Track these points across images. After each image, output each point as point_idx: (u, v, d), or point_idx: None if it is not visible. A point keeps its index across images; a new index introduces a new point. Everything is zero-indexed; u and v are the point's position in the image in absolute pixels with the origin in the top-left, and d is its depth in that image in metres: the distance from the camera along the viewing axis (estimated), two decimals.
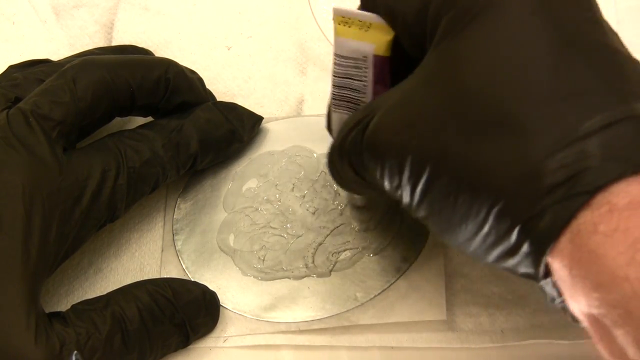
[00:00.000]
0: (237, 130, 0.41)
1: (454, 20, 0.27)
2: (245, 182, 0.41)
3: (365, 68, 0.31)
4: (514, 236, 0.25)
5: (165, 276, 0.39)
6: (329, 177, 0.40)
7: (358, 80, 0.32)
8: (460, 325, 0.35)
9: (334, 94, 0.33)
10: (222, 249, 0.39)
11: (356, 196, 0.38)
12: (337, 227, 0.39)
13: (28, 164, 0.33)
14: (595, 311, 0.23)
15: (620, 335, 0.23)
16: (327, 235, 0.39)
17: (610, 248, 0.23)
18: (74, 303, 0.37)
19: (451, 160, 0.26)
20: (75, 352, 0.32)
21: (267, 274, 0.38)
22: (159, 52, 0.45)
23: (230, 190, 0.41)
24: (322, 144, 0.42)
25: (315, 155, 0.41)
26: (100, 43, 0.48)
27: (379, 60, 0.31)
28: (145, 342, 0.34)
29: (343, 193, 0.40)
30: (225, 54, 0.47)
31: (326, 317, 0.36)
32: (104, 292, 0.38)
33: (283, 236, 0.39)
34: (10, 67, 0.42)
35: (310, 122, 0.43)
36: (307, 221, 0.39)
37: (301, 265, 0.38)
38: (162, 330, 0.34)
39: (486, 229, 0.26)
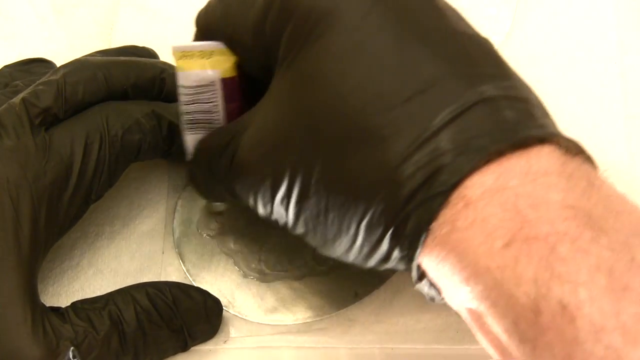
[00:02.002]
0: None
1: (292, 36, 0.27)
2: None
3: (214, 92, 0.32)
4: (385, 245, 0.25)
5: (165, 278, 0.39)
6: None
7: (208, 102, 0.33)
8: (460, 324, 0.35)
9: (185, 120, 0.34)
10: (223, 250, 0.39)
11: (217, 203, 0.39)
12: None
13: (10, 152, 0.33)
14: (468, 305, 0.24)
15: (492, 324, 0.23)
16: None
17: (470, 241, 0.23)
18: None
19: (315, 179, 0.26)
20: (72, 347, 0.32)
21: (268, 275, 0.38)
22: (159, 52, 0.45)
23: None
24: None
25: None
26: (100, 43, 0.48)
27: (226, 82, 0.32)
28: (140, 345, 0.34)
29: None
30: None
31: (326, 317, 0.36)
32: (104, 293, 0.38)
33: (285, 237, 0.39)
34: (5, 66, 0.42)
35: None
36: None
37: (301, 265, 0.38)
38: (159, 334, 0.34)
39: (359, 241, 0.26)
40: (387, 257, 0.26)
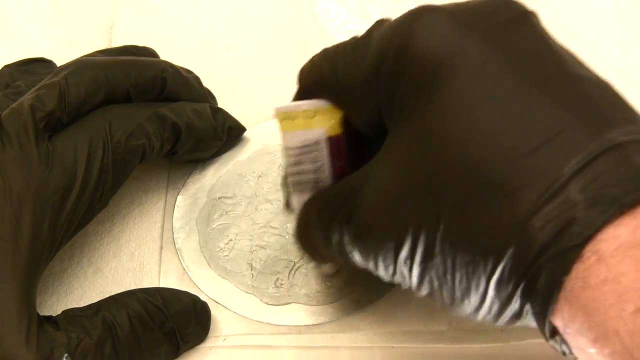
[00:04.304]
0: (218, 128, 0.41)
1: (409, 89, 0.26)
2: (245, 181, 0.41)
3: (320, 151, 0.31)
4: (516, 302, 0.24)
5: (165, 276, 0.39)
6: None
7: (313, 163, 0.32)
8: (460, 324, 0.35)
9: (292, 181, 0.33)
10: (222, 248, 0.39)
11: (326, 267, 0.38)
12: None
13: (13, 161, 0.33)
14: None
15: None
16: None
17: (600, 301, 0.22)
18: (73, 302, 0.37)
19: (440, 237, 0.25)
20: (66, 354, 0.31)
21: (268, 275, 0.38)
22: (159, 51, 0.45)
23: (231, 189, 0.41)
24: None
25: None
26: (100, 42, 0.48)
27: (332, 140, 0.31)
28: (135, 350, 0.34)
29: None
30: (225, 54, 0.47)
31: (327, 322, 0.36)
32: (104, 292, 0.38)
33: (283, 236, 0.39)
34: (5, 66, 0.42)
35: None
36: None
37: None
38: (152, 338, 0.34)
39: (489, 299, 0.25)
40: (518, 314, 0.25)
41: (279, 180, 0.41)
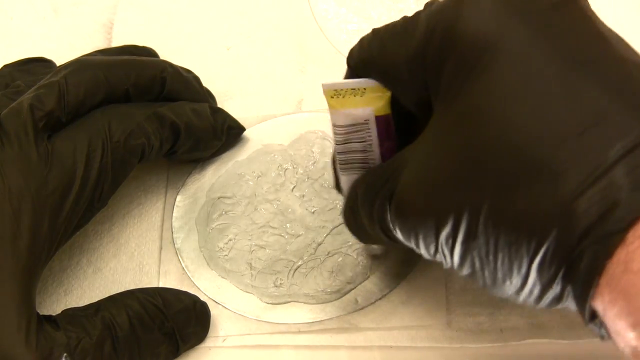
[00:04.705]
0: (217, 128, 0.41)
1: (455, 68, 0.27)
2: (245, 181, 0.41)
3: (368, 130, 0.31)
4: (557, 285, 0.25)
5: (164, 275, 0.39)
6: (328, 177, 0.40)
7: (362, 142, 0.32)
8: (460, 324, 0.35)
9: (340, 160, 0.33)
10: (222, 247, 0.39)
11: (374, 246, 0.38)
12: (337, 226, 0.39)
13: (13, 161, 0.33)
14: (633, 345, 0.23)
15: None
16: (327, 235, 0.39)
17: None
18: (72, 302, 0.37)
19: (484, 218, 0.25)
20: (65, 354, 0.31)
21: (267, 274, 0.38)
22: (159, 51, 0.45)
23: (230, 189, 0.41)
24: (321, 142, 0.42)
25: (315, 153, 0.41)
26: (100, 42, 0.48)
27: (380, 120, 0.31)
28: (134, 350, 0.34)
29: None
30: (224, 54, 0.47)
31: (326, 320, 0.36)
32: (103, 292, 0.38)
33: (283, 236, 0.39)
34: (5, 66, 0.42)
35: (310, 120, 0.43)
36: (307, 221, 0.39)
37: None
38: (152, 338, 0.34)
39: (530, 281, 0.25)
40: (559, 297, 0.25)
41: (278, 180, 0.41)
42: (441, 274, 0.37)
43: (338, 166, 0.33)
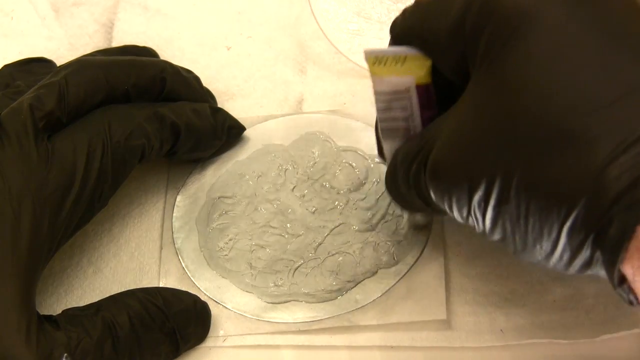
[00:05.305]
0: (217, 127, 0.41)
1: (492, 37, 0.27)
2: (245, 181, 0.41)
3: (409, 99, 0.32)
4: (587, 249, 0.25)
5: (164, 275, 0.39)
6: (328, 177, 0.40)
7: (403, 110, 0.32)
8: (460, 324, 0.35)
9: (382, 127, 0.33)
10: (222, 247, 0.39)
11: (418, 216, 0.38)
12: (337, 226, 0.39)
13: (13, 161, 0.33)
14: None
15: None
16: (327, 235, 0.39)
17: None
18: (72, 302, 0.37)
19: (516, 183, 0.26)
20: (66, 354, 0.31)
21: (268, 274, 0.38)
22: (159, 51, 0.45)
23: (230, 188, 0.41)
24: (321, 142, 0.42)
25: (315, 153, 0.41)
26: (100, 42, 0.48)
27: (421, 89, 0.31)
28: (135, 349, 0.34)
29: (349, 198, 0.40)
30: (225, 54, 0.47)
31: (326, 318, 0.36)
32: (103, 291, 0.38)
33: (283, 236, 0.39)
34: (6, 66, 0.42)
35: (310, 120, 0.43)
36: (307, 220, 0.39)
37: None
38: (152, 337, 0.34)
39: (560, 246, 0.26)
40: (589, 262, 0.26)
41: (278, 180, 0.41)
42: (441, 271, 0.37)
43: (380, 132, 0.33)
